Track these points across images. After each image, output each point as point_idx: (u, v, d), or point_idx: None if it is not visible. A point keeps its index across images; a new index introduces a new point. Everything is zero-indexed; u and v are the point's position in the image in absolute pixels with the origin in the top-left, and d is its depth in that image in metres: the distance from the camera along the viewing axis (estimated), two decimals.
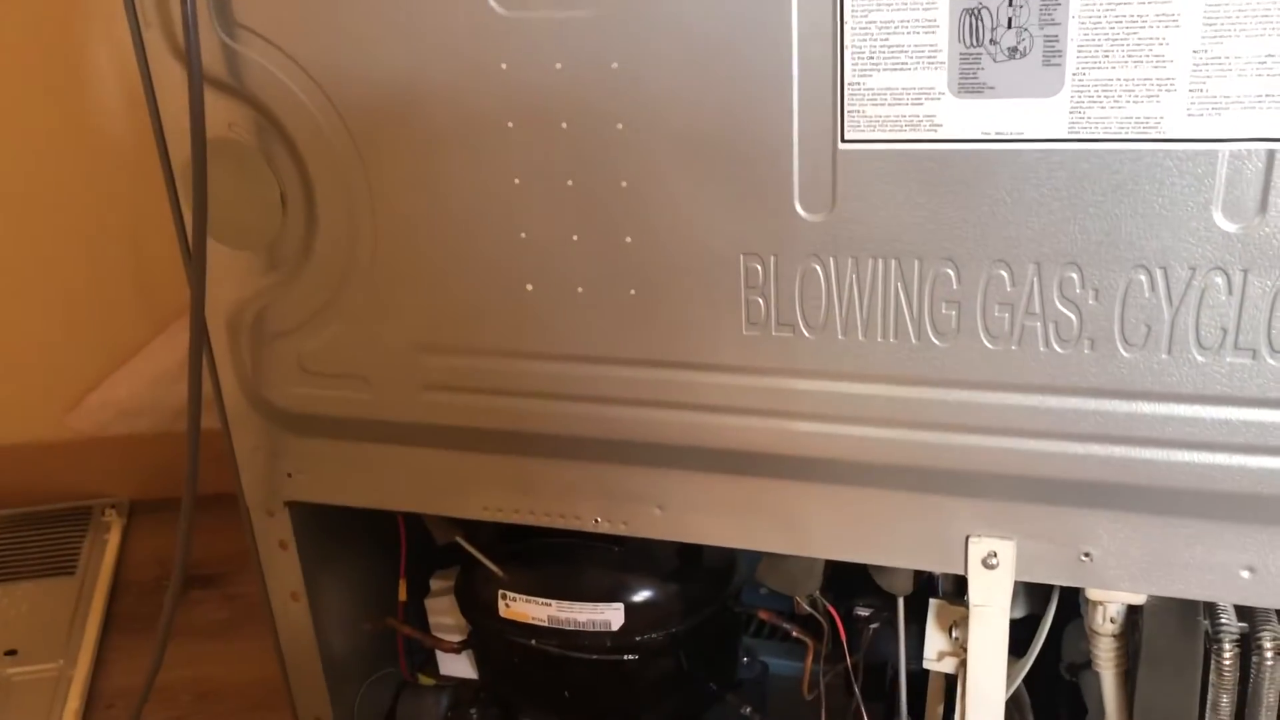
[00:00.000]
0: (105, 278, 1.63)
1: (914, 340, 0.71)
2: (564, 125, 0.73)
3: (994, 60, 0.64)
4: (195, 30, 0.74)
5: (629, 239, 0.75)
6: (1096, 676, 0.82)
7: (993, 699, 0.79)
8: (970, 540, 0.75)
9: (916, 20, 0.64)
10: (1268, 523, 0.69)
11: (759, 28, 0.67)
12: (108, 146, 1.55)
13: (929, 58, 0.65)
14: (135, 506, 1.70)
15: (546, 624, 0.94)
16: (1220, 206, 0.63)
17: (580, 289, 0.77)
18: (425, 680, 1.09)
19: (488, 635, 1.00)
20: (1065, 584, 0.76)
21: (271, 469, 0.92)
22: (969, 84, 0.64)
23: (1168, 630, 0.75)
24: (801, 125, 0.68)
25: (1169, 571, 0.72)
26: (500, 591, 0.95)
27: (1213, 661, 0.73)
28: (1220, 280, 0.65)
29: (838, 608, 0.90)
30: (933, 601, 0.85)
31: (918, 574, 0.83)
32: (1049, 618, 0.81)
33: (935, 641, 0.84)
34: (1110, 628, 0.79)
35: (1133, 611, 0.78)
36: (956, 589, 0.85)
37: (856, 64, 0.66)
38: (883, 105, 0.66)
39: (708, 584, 0.96)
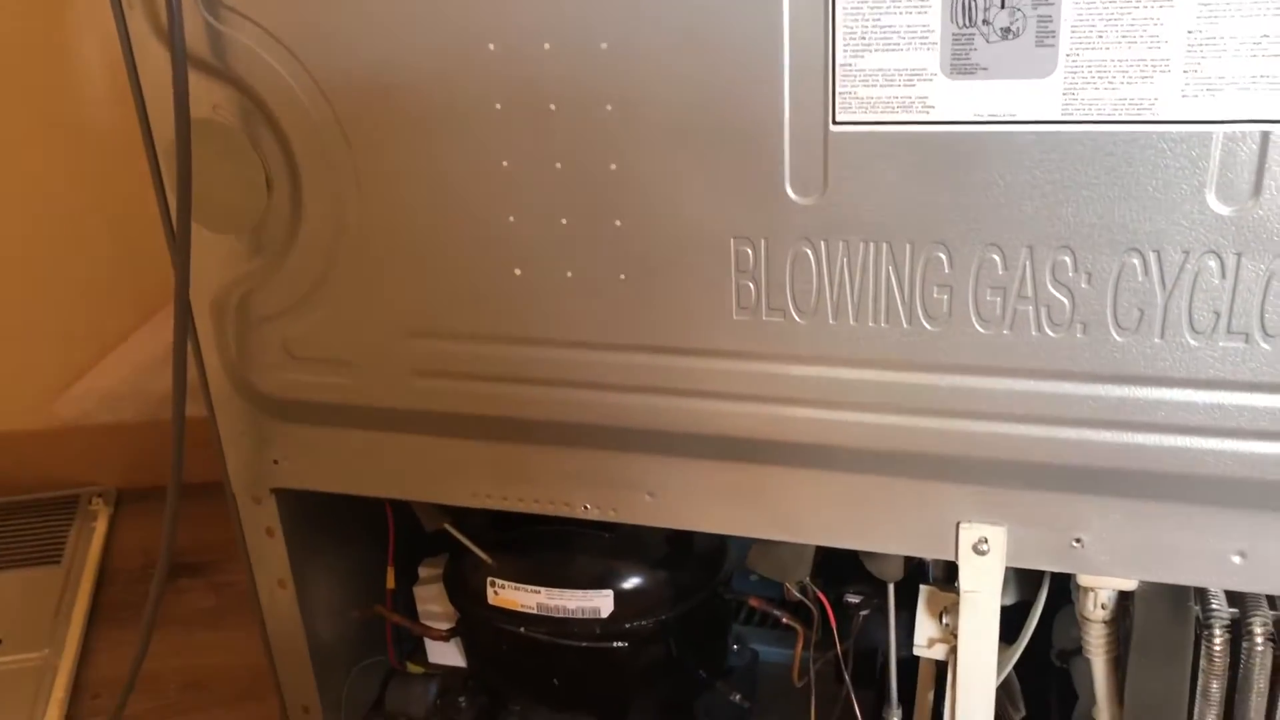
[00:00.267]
0: (91, 266, 1.62)
1: (905, 325, 0.71)
2: (552, 107, 0.72)
3: (987, 41, 0.63)
4: (179, 11, 0.73)
5: (618, 223, 0.74)
6: (1087, 663, 0.82)
7: (983, 685, 0.79)
8: (961, 526, 0.75)
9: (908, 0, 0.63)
10: (1259, 508, 0.69)
11: (749, 8, 0.66)
12: (92, 134, 1.54)
13: (921, 38, 0.64)
14: (122, 495, 1.69)
15: (535, 611, 0.93)
16: (1214, 189, 0.63)
17: (569, 273, 0.76)
18: (414, 668, 1.09)
19: (476, 623, 0.99)
20: (1056, 570, 0.76)
21: (258, 456, 0.91)
22: (961, 65, 0.64)
23: (1158, 616, 0.75)
24: (792, 107, 0.67)
25: (1160, 557, 0.72)
26: (489, 579, 0.95)
27: (1203, 647, 0.73)
28: (1214, 264, 0.64)
29: (828, 594, 0.90)
30: (923, 588, 0.84)
31: (908, 560, 0.83)
32: (1040, 604, 0.81)
33: (926, 628, 0.84)
34: (1101, 614, 0.79)
35: (1123, 597, 0.78)
36: (947, 575, 0.85)
37: (848, 45, 0.65)
38: (874, 87, 0.66)
39: (697, 571, 0.96)
